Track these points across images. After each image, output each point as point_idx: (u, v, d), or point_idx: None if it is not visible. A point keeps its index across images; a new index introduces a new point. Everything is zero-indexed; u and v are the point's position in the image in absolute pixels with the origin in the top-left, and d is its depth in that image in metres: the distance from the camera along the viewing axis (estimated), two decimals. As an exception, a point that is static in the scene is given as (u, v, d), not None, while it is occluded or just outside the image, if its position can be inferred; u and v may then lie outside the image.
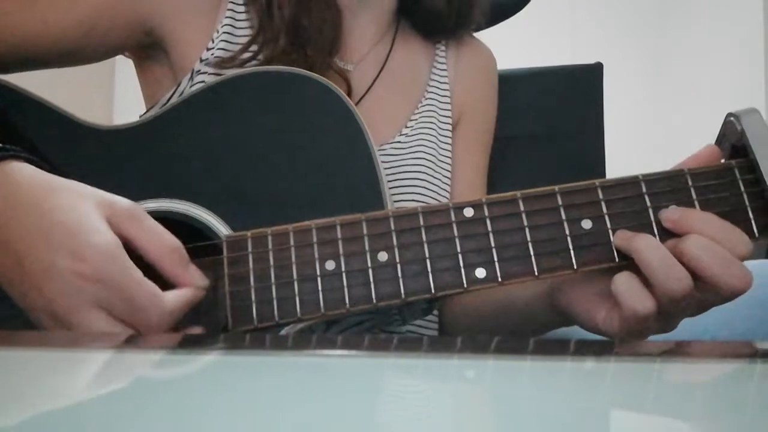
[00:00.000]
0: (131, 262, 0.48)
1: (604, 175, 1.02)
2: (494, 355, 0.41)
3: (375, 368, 0.36)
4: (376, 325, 0.64)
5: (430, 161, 0.78)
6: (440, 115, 0.82)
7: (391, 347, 0.46)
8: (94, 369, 0.36)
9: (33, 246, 0.48)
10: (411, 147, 0.78)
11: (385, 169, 0.76)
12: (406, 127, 0.79)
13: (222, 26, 0.73)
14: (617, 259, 0.52)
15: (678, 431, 0.25)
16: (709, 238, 0.49)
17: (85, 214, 0.48)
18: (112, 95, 2.76)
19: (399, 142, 0.78)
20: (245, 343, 0.48)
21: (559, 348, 0.44)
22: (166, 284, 0.50)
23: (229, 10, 0.74)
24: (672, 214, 0.51)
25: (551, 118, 1.04)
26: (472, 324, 0.76)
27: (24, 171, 0.51)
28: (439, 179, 0.79)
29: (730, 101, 2.39)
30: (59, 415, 0.25)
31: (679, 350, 0.44)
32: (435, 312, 0.79)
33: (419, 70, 0.84)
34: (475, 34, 0.90)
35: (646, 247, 0.50)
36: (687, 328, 0.55)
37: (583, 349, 0.44)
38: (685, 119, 2.49)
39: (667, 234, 0.51)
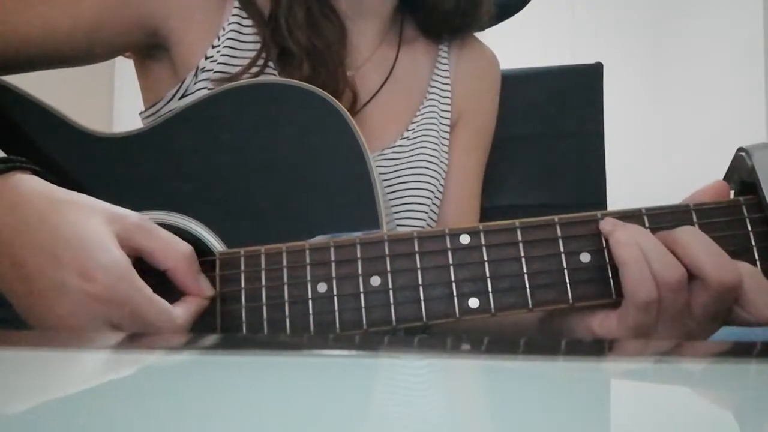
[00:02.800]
0: (141, 281, 0.47)
1: (603, 175, 1.02)
2: (494, 355, 0.41)
3: (372, 368, 0.36)
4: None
5: (433, 162, 0.78)
6: (441, 115, 0.81)
7: (384, 347, 0.46)
8: (94, 368, 0.36)
9: (41, 263, 0.47)
10: (413, 150, 0.77)
11: (388, 172, 0.76)
12: (408, 129, 0.79)
13: (228, 24, 0.73)
14: (614, 296, 0.50)
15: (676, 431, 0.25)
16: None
17: (94, 230, 0.48)
18: (112, 95, 2.75)
19: (401, 145, 0.77)
20: (244, 343, 0.48)
21: (551, 348, 0.44)
22: (171, 293, 0.50)
23: (236, 8, 0.74)
24: (605, 224, 0.51)
25: (551, 118, 1.04)
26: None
27: (30, 183, 0.50)
28: (441, 180, 0.79)
29: (730, 101, 2.39)
30: (54, 414, 0.25)
31: (677, 350, 0.44)
32: None
33: (422, 71, 0.83)
34: (476, 34, 0.90)
35: (632, 236, 0.49)
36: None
37: (577, 348, 0.44)
38: (685, 119, 2.48)
39: None
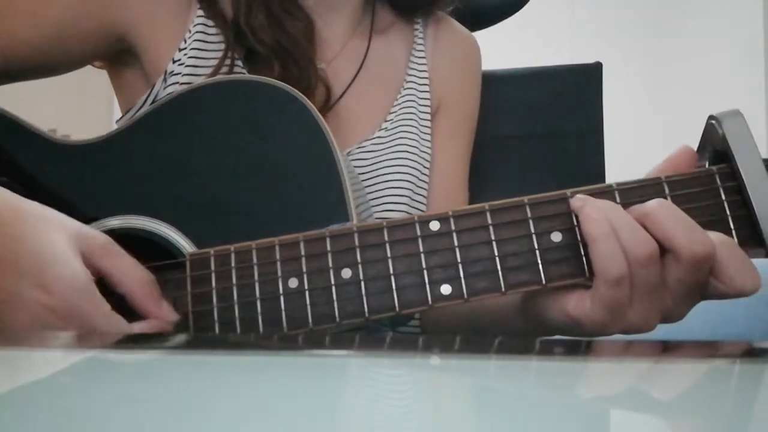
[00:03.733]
0: (100, 296, 0.47)
1: (603, 175, 1.02)
2: (495, 355, 0.41)
3: (368, 367, 0.36)
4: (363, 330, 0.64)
5: (412, 153, 0.77)
6: (420, 103, 0.81)
7: (384, 346, 0.46)
8: (56, 367, 0.36)
9: (1, 273, 0.47)
10: (391, 140, 0.77)
11: (366, 165, 0.75)
12: (386, 120, 0.78)
13: (194, 26, 0.72)
14: (588, 274, 0.49)
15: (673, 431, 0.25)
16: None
17: (57, 244, 0.47)
18: (111, 95, 2.75)
19: (379, 137, 0.77)
20: (244, 343, 0.48)
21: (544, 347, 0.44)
22: (134, 315, 0.50)
23: (200, 9, 0.73)
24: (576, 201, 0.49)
25: (551, 118, 1.04)
26: (451, 328, 0.75)
27: None
28: (421, 170, 0.78)
29: (729, 101, 2.38)
30: (39, 413, 0.25)
31: (676, 350, 0.44)
32: (417, 316, 0.78)
33: (397, 60, 0.83)
34: (475, 34, 0.90)
35: (602, 211, 0.48)
36: (687, 327, 0.53)
37: (573, 347, 0.44)
38: (685, 119, 2.48)
39: None
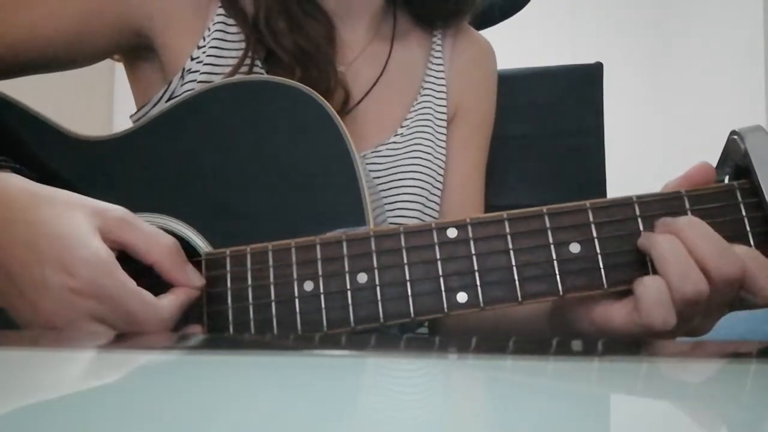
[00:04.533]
0: (124, 274, 0.47)
1: (603, 175, 1.02)
2: (495, 354, 0.41)
3: (368, 367, 0.36)
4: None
5: (427, 159, 0.77)
6: (436, 110, 0.81)
7: (399, 347, 0.45)
8: (78, 369, 0.36)
9: (23, 260, 0.47)
10: (407, 146, 0.77)
11: (382, 169, 0.75)
12: (402, 126, 0.78)
13: (214, 24, 0.72)
14: (606, 286, 0.49)
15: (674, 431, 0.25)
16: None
17: (75, 225, 0.47)
18: (111, 99, 2.75)
19: (395, 142, 0.77)
20: (243, 343, 0.48)
21: (543, 347, 0.44)
22: (157, 286, 0.49)
23: (220, 7, 0.73)
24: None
25: (551, 118, 1.04)
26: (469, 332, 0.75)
27: (10, 180, 0.50)
28: (435, 177, 0.78)
29: (730, 101, 2.39)
30: (40, 415, 0.25)
31: (675, 350, 0.44)
32: (426, 323, 0.78)
33: (416, 66, 0.83)
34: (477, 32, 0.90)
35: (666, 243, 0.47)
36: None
37: (566, 349, 0.44)
38: (685, 119, 2.49)
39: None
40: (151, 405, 0.26)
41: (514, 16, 1.00)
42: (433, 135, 0.79)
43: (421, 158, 0.77)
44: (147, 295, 0.47)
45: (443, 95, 0.82)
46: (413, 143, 0.77)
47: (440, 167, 0.79)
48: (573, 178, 1.02)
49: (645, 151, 2.44)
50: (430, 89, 0.82)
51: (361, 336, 0.51)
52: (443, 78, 0.83)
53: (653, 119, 2.55)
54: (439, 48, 0.84)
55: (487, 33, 0.92)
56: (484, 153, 0.85)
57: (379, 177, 0.75)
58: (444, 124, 0.81)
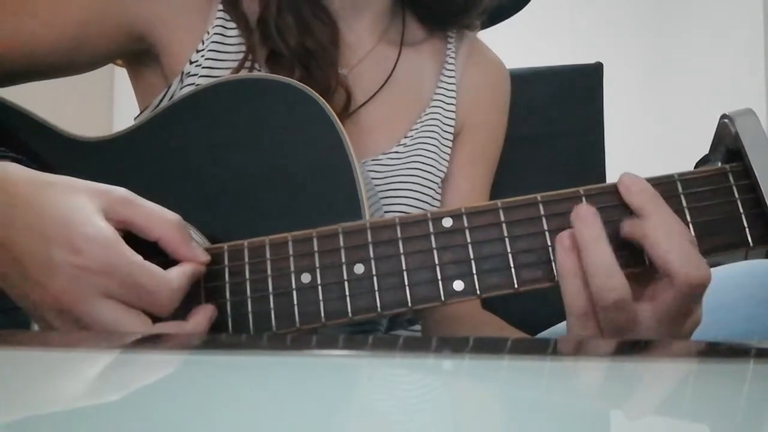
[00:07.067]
0: (129, 249, 0.47)
1: (603, 175, 1.02)
2: (496, 355, 0.41)
3: (367, 367, 0.36)
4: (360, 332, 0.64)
5: (427, 171, 0.76)
6: (444, 122, 0.80)
7: (396, 347, 0.45)
8: (100, 370, 0.36)
9: (29, 242, 0.47)
10: (408, 157, 0.76)
11: (380, 178, 0.74)
12: (406, 136, 0.77)
13: (213, 27, 0.72)
14: None
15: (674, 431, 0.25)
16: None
17: (77, 206, 0.48)
18: (111, 102, 2.76)
19: (396, 152, 0.76)
20: (241, 344, 0.48)
21: (542, 347, 0.44)
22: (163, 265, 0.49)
23: (220, 11, 0.73)
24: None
25: (551, 118, 1.04)
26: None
27: (12, 168, 0.51)
28: (436, 189, 0.77)
29: (730, 101, 2.38)
30: (51, 415, 0.25)
31: (675, 350, 0.44)
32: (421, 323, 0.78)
33: (427, 75, 0.82)
34: (477, 34, 0.89)
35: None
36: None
37: (573, 348, 0.44)
38: (685, 119, 2.48)
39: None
40: (151, 405, 0.26)
41: (515, 16, 1.00)
42: (437, 147, 0.78)
43: (421, 170, 0.76)
44: (155, 267, 0.48)
45: (452, 108, 0.81)
46: (416, 155, 0.76)
47: (441, 180, 0.78)
48: (573, 177, 1.02)
49: (645, 151, 2.44)
50: (440, 101, 0.81)
51: (360, 336, 0.52)
52: (454, 91, 0.82)
53: (653, 119, 2.55)
54: (452, 60, 0.83)
55: (488, 33, 0.92)
56: (489, 171, 0.84)
57: (375, 186, 0.74)
58: (450, 137, 0.80)
